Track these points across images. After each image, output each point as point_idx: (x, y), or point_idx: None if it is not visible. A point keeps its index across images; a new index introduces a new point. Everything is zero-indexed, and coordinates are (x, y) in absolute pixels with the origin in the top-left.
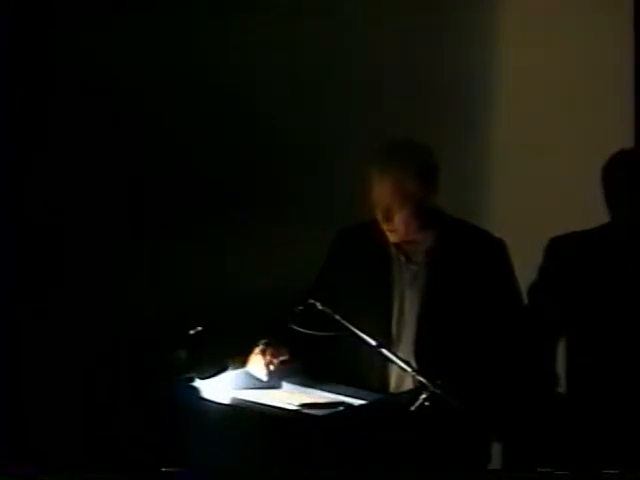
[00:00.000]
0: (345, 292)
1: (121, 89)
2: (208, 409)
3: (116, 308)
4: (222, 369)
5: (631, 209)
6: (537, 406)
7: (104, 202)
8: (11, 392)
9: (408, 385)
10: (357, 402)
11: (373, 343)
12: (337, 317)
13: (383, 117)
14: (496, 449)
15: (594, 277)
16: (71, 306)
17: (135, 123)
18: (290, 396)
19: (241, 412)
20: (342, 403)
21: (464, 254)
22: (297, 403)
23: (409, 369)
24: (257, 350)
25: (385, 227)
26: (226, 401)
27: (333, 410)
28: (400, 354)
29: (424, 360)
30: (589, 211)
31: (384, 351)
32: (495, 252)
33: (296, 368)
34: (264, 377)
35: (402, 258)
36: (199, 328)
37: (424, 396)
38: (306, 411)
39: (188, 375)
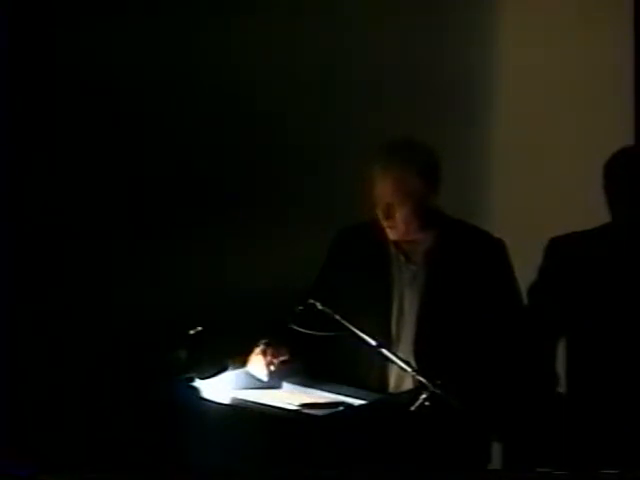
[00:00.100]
0: (345, 292)
1: (121, 89)
2: (208, 409)
3: (116, 308)
4: (222, 369)
5: (631, 209)
6: (537, 406)
7: (104, 202)
8: (11, 392)
9: (408, 385)
10: (357, 402)
11: (373, 343)
12: (337, 317)
13: (383, 117)
14: (496, 449)
15: (594, 277)
16: (71, 306)
17: (135, 123)
18: (290, 396)
19: (241, 412)
20: (342, 403)
21: (464, 254)
22: (297, 403)
23: (409, 369)
24: (257, 350)
25: (385, 224)
26: (226, 401)
27: (333, 410)
28: (400, 354)
29: (423, 360)
30: (589, 211)
31: (384, 351)
32: (494, 252)
33: (296, 368)
34: (264, 377)
35: (402, 258)
36: (199, 328)
37: (424, 396)
38: (306, 411)
39: (188, 375)
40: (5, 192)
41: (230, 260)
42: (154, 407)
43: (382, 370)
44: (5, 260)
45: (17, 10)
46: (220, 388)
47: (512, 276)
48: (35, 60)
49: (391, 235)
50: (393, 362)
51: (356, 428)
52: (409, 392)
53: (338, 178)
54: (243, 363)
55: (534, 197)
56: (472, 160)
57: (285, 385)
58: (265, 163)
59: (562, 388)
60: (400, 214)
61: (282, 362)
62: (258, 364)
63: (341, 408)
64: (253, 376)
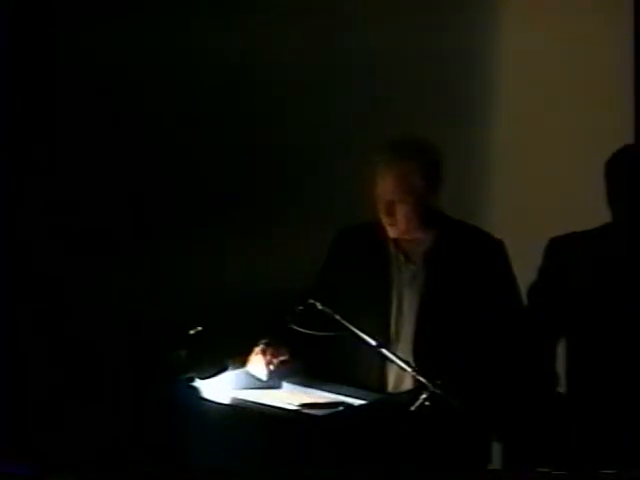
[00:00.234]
0: (345, 292)
1: (121, 89)
2: (208, 409)
3: (116, 308)
4: (222, 369)
5: (631, 209)
6: (537, 406)
7: (104, 202)
8: (11, 392)
9: (407, 385)
10: (357, 402)
11: (373, 343)
12: (337, 317)
13: (383, 117)
14: (496, 449)
15: (594, 277)
16: (71, 306)
17: (135, 123)
18: (290, 396)
19: (241, 412)
20: (342, 403)
21: (463, 255)
22: (297, 403)
23: (409, 369)
24: (257, 350)
25: (386, 221)
26: (226, 401)
27: (333, 410)
28: (399, 354)
29: (423, 360)
30: (589, 211)
31: (384, 351)
32: (494, 253)
33: (296, 368)
34: (264, 377)
35: (401, 258)
36: (199, 328)
37: (424, 396)
38: (306, 411)
39: (188, 375)
40: (5, 192)
41: (230, 260)
42: (154, 407)
43: (381, 370)
44: (5, 260)
45: (17, 10)
46: (220, 388)
47: (512, 276)
48: (35, 60)
49: (391, 233)
50: (393, 362)
51: (356, 428)
52: (409, 392)
53: (338, 178)
54: (243, 363)
55: (534, 197)
56: (472, 160)
57: (285, 385)
58: (265, 163)
59: (562, 388)
60: (401, 212)
61: (282, 362)
62: (258, 364)
63: (341, 408)
64: (253, 376)
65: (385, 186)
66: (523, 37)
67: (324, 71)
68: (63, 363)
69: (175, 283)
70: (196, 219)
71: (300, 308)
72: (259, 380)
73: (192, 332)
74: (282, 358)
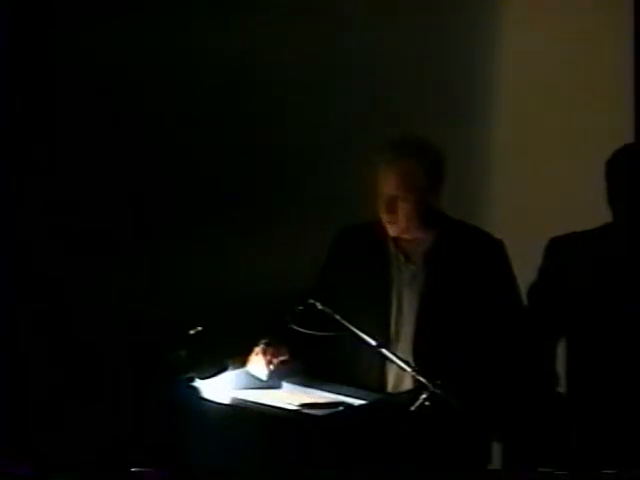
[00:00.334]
0: (345, 292)
1: (121, 89)
2: (208, 409)
3: (116, 308)
4: (222, 369)
5: (631, 208)
6: (537, 406)
7: (104, 202)
8: (11, 392)
9: (406, 385)
10: (357, 402)
11: (373, 343)
12: (337, 317)
13: (383, 117)
14: (496, 449)
15: (594, 277)
16: (71, 306)
17: (135, 123)
18: (290, 396)
19: (241, 412)
20: (342, 403)
21: (463, 255)
22: (297, 403)
23: (409, 369)
24: (257, 350)
25: (386, 219)
26: (226, 401)
27: (333, 410)
28: (399, 354)
29: (423, 360)
30: (589, 211)
31: (384, 351)
32: (494, 253)
33: (296, 368)
34: (264, 377)
35: (401, 258)
36: (199, 328)
37: (424, 396)
38: (306, 411)
39: (188, 375)
40: (5, 192)
41: (230, 260)
42: (154, 407)
43: (381, 370)
44: (5, 260)
45: (17, 10)
46: (220, 388)
47: (512, 276)
48: (35, 60)
49: (391, 231)
50: (393, 362)
51: (356, 428)
52: (409, 392)
53: (338, 178)
54: (243, 363)
55: (534, 197)
56: (472, 160)
57: (285, 385)
58: (265, 163)
59: (562, 388)
60: (402, 209)
61: (282, 362)
62: (258, 364)
63: (341, 408)
64: (253, 376)
65: (387, 183)
66: (523, 37)
67: (324, 71)
68: (63, 363)
69: (175, 283)
70: (196, 219)
71: (300, 308)
72: (259, 380)
73: (192, 332)
74: (282, 358)
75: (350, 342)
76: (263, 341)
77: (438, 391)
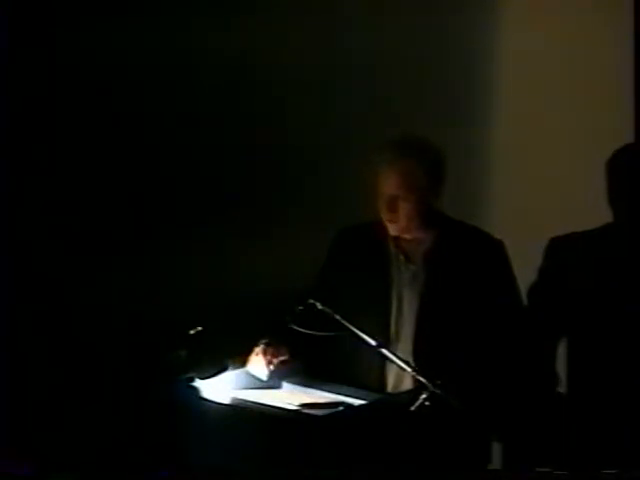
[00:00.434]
0: (345, 292)
1: (121, 89)
2: (208, 409)
3: (116, 308)
4: (222, 369)
5: (632, 208)
6: (537, 406)
7: (104, 202)
8: (11, 392)
9: (406, 385)
10: (357, 402)
11: (373, 343)
12: (337, 317)
13: (383, 117)
14: (496, 449)
15: (594, 277)
16: (71, 306)
17: (135, 123)
18: (290, 396)
19: (241, 412)
20: (342, 403)
21: (463, 255)
22: (297, 403)
23: (409, 369)
24: (257, 350)
25: (387, 218)
26: (226, 401)
27: (333, 410)
28: (399, 354)
29: (423, 360)
30: (589, 211)
31: (384, 351)
32: (494, 253)
33: (296, 368)
34: (264, 377)
35: (401, 258)
36: (199, 328)
37: (424, 396)
38: (306, 411)
39: (188, 375)
40: (5, 192)
41: (230, 260)
42: (154, 407)
43: (381, 370)
44: (5, 260)
45: (17, 10)
46: (220, 388)
47: (512, 277)
48: (35, 60)
49: (391, 230)
50: (393, 362)
51: (356, 428)
52: (409, 392)
53: (338, 178)
54: (243, 363)
55: (534, 197)
56: (472, 160)
57: (285, 385)
58: (265, 163)
59: (563, 388)
60: (403, 209)
61: (282, 362)
62: (258, 364)
63: (341, 408)
64: (253, 376)
65: (388, 183)
66: (523, 37)
67: (324, 71)
68: (63, 363)
69: (175, 283)
70: (196, 219)
71: (300, 308)
72: (259, 380)
73: (192, 332)
74: (282, 358)
75: (350, 342)
76: (263, 341)
77: (438, 391)
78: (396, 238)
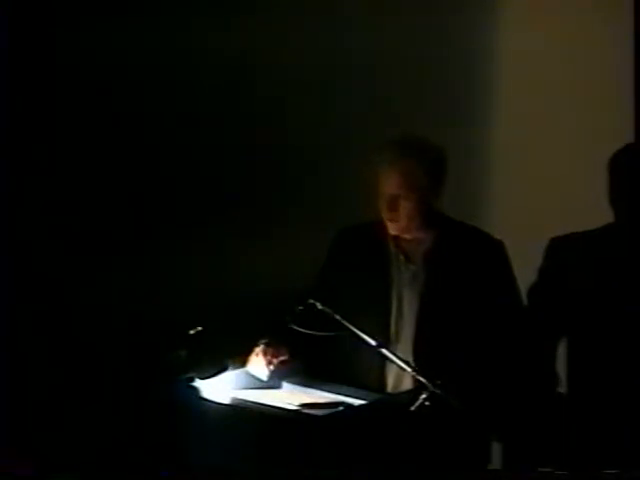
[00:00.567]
0: (345, 292)
1: (121, 89)
2: (208, 409)
3: (116, 308)
4: (222, 369)
5: (632, 209)
6: (537, 406)
7: (104, 202)
8: (11, 392)
9: (406, 385)
10: (357, 402)
11: (373, 343)
12: (337, 317)
13: (383, 117)
14: (496, 449)
15: (595, 277)
16: (71, 306)
17: (135, 123)
18: (290, 396)
19: (241, 412)
20: (342, 403)
21: (463, 255)
22: (297, 403)
23: (409, 369)
24: (257, 350)
25: (387, 217)
26: (226, 401)
27: (333, 410)
28: (399, 354)
29: (423, 360)
30: (589, 211)
31: (384, 351)
32: (494, 253)
33: (296, 368)
34: (264, 377)
35: (402, 258)
36: (199, 328)
37: (424, 396)
38: (306, 411)
39: (188, 375)
40: (5, 192)
41: (230, 260)
42: (154, 407)
43: (381, 370)
44: (5, 260)
45: (17, 10)
46: (220, 388)
47: (512, 277)
48: (35, 60)
49: (392, 230)
50: (393, 362)
51: (356, 428)
52: (409, 392)
53: (338, 178)
54: (243, 363)
55: (534, 197)
56: (472, 160)
57: (285, 385)
58: (265, 163)
59: (563, 388)
60: (404, 208)
61: (282, 362)
62: (258, 364)
63: (341, 408)
64: (253, 376)
65: (389, 183)
66: (523, 37)
67: (324, 71)
68: (63, 363)
69: (175, 283)
70: (196, 219)
71: (300, 308)
72: (259, 380)
73: (192, 332)
74: (282, 358)
75: (350, 342)
76: (263, 341)
77: (438, 391)
78: (396, 238)
